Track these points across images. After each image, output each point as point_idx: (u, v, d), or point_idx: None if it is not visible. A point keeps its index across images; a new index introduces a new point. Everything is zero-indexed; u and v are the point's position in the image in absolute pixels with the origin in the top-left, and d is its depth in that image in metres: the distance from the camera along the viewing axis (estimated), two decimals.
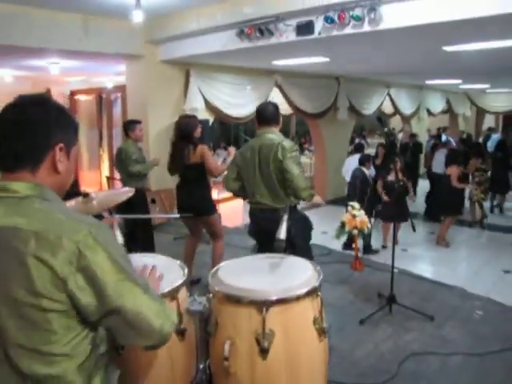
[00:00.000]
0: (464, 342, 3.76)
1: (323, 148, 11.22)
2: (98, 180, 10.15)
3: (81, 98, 10.56)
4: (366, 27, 4.72)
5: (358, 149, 9.08)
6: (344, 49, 6.29)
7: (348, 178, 8.28)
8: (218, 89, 8.15)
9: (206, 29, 6.12)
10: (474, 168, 8.04)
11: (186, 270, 2.15)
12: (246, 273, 2.14)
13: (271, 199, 3.48)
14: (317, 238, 6.43)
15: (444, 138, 14.17)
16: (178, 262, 2.27)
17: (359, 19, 4.66)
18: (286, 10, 5.15)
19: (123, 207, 5.45)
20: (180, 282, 2.00)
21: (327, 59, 7.23)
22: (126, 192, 2.64)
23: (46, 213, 1.20)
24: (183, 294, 2.05)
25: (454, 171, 7.25)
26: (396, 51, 6.63)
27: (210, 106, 8.05)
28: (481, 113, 17.80)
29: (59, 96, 10.59)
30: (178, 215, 3.83)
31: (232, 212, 9.00)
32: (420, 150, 12.52)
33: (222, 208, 8.64)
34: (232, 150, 4.71)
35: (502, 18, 4.04)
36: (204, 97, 7.90)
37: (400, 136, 15.08)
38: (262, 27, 5.53)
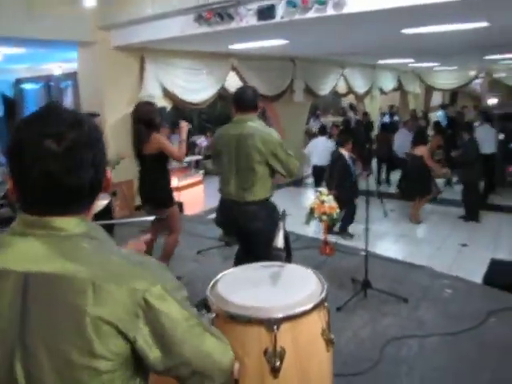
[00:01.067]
0: (438, 323, 3.85)
1: (281, 130, 11.14)
2: None
3: (27, 86, 10.00)
4: (330, 11, 4.65)
5: (323, 131, 9.20)
6: (305, 32, 6.20)
7: (314, 160, 8.35)
8: (174, 74, 7.91)
9: (162, 13, 5.87)
10: (436, 146, 8.25)
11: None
12: (247, 287, 2.03)
13: (245, 192, 3.36)
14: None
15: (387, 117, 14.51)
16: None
17: (323, 3, 4.58)
18: None
19: None
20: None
21: (286, 42, 7.13)
22: (101, 201, 2.48)
23: (101, 256, 1.01)
24: None
25: (425, 151, 7.44)
26: (356, 34, 6.62)
27: (166, 93, 7.82)
28: (429, 90, 18.23)
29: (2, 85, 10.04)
30: (152, 217, 3.66)
31: (194, 198, 8.85)
32: (371, 128, 12.82)
33: (183, 195, 8.52)
34: (183, 124, 4.47)
35: (455, 4, 4.17)
36: (160, 83, 7.66)
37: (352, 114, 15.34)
38: (221, 11, 5.36)
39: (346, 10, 4.56)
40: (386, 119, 14.19)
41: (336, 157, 7.08)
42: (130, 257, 1.06)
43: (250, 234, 3.50)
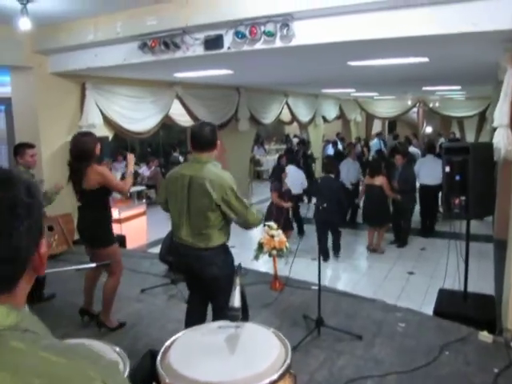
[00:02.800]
0: (393, 360, 3.76)
1: (225, 158, 11.05)
2: None
3: None
4: (278, 43, 4.61)
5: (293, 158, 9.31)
6: (250, 62, 6.17)
7: (296, 190, 8.24)
8: (116, 103, 7.63)
9: (105, 40, 5.64)
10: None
11: (128, 362, 1.76)
12: (202, 356, 1.81)
13: (198, 238, 3.18)
14: None
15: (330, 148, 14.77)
16: (117, 348, 1.88)
17: (271, 35, 4.54)
18: (194, 24, 4.89)
19: None
20: None
21: (231, 72, 7.07)
22: None
23: (38, 359, 0.77)
24: None
25: (384, 181, 7.56)
26: (304, 66, 6.67)
27: (108, 122, 7.52)
28: (370, 118, 18.83)
29: None
30: (94, 264, 3.38)
31: (136, 231, 8.49)
32: (312, 158, 13.04)
33: (125, 228, 8.15)
34: (130, 156, 4.36)
35: (395, 41, 4.27)
36: (102, 111, 7.35)
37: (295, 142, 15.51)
38: (167, 40, 5.20)
39: (294, 43, 4.54)
40: (329, 150, 14.28)
41: (334, 185, 7.56)
42: (74, 349, 0.85)
43: (205, 280, 3.31)
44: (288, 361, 1.72)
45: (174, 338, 1.97)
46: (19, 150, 4.84)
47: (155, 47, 5.29)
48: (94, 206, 4.11)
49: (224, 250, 3.27)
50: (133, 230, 8.33)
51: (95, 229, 4.13)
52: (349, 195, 8.92)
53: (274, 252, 5.02)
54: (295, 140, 16.16)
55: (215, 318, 3.33)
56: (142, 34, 5.30)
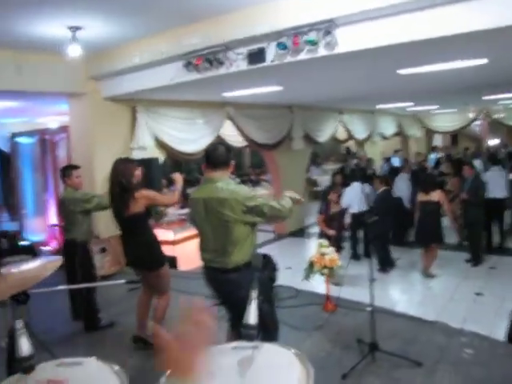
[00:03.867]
0: None
1: (279, 179, 10.85)
2: (44, 227, 9.34)
3: (22, 140, 9.77)
4: (322, 51, 4.37)
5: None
6: (298, 76, 5.95)
7: (354, 210, 7.74)
8: (166, 124, 7.64)
9: (151, 62, 5.64)
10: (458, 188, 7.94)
11: (126, 381, 1.57)
12: (208, 382, 1.55)
13: (222, 258, 3.03)
14: (281, 275, 5.98)
15: (396, 160, 14.16)
16: (116, 367, 1.68)
17: (314, 43, 4.31)
18: (235, 38, 4.76)
19: (66, 263, 4.90)
20: None
21: (280, 88, 6.89)
22: (52, 265, 2.07)
23: None
24: None
25: (442, 196, 7.01)
26: (351, 77, 6.37)
27: (159, 143, 7.53)
28: (430, 133, 18.03)
29: None
30: (123, 281, 3.26)
31: (189, 253, 8.37)
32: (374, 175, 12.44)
33: (178, 249, 8.06)
34: (177, 176, 4.28)
35: (453, 39, 3.84)
36: (153, 134, 7.38)
37: (354, 161, 15.01)
38: (210, 57, 5.10)
39: (337, 50, 4.28)
40: (396, 162, 13.64)
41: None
42: None
43: (235, 302, 3.11)
44: None
45: None
46: (67, 171, 4.87)
47: (199, 65, 5.21)
48: (138, 231, 4.04)
49: (249, 270, 3.06)
50: (186, 251, 8.22)
51: (142, 253, 4.05)
52: (405, 212, 8.42)
53: (326, 271, 4.70)
54: (354, 161, 15.64)
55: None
56: (186, 53, 5.23)
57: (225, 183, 3.01)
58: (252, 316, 1.85)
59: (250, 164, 17.77)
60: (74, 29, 4.97)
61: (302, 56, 4.51)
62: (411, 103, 11.58)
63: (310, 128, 11.07)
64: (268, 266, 5.47)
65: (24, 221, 9.67)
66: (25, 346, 1.61)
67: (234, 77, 5.40)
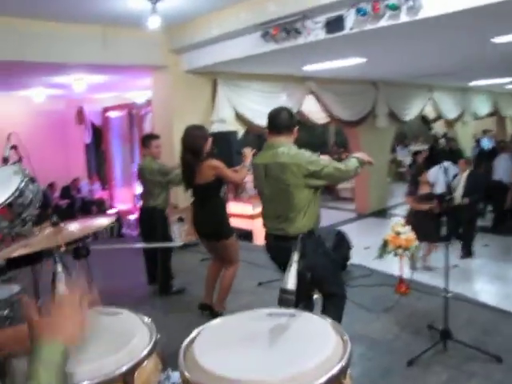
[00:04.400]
0: None
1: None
2: (131, 197, 9.77)
3: (112, 114, 10.22)
4: (404, 17, 4.04)
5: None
6: (380, 47, 5.59)
7: (440, 189, 7.24)
8: (247, 98, 7.57)
9: (229, 33, 5.56)
10: None
11: (156, 335, 1.50)
12: (234, 347, 1.44)
13: (284, 224, 2.90)
14: (358, 255, 5.73)
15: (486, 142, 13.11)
16: (148, 320, 1.62)
17: (395, 8, 3.98)
18: (313, 6, 4.52)
19: (144, 228, 5.04)
20: (143, 353, 1.38)
21: (364, 60, 6.53)
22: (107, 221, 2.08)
23: None
24: (150, 366, 1.42)
25: None
26: (438, 46, 5.85)
27: (239, 117, 7.49)
28: None
29: (91, 113, 10.36)
30: (181, 243, 3.26)
31: None
32: (460, 155, 11.59)
33: (256, 224, 8.04)
34: (247, 151, 4.06)
35: None
36: (233, 107, 7.35)
37: (442, 141, 14.09)
38: (287, 26, 4.92)
39: (422, 15, 3.92)
40: (486, 144, 12.69)
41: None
42: None
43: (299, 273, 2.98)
44: (343, 362, 1.28)
45: (212, 323, 1.65)
46: (145, 141, 4.94)
47: (277, 34, 5.05)
48: (207, 201, 4.00)
49: (312, 238, 2.91)
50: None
51: (209, 223, 4.02)
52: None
53: (400, 251, 4.41)
54: (442, 141, 14.72)
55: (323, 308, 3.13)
56: (264, 22, 5.09)
57: (286, 148, 2.86)
58: (291, 280, 1.71)
59: (334, 143, 17.33)
60: (154, 0, 5.00)
61: (383, 23, 4.20)
62: (510, 79, 10.56)
63: (396, 105, 10.49)
64: (341, 243, 5.29)
65: (113, 190, 10.18)
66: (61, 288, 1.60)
67: (313, 47, 5.19)
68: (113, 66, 6.32)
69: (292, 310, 1.67)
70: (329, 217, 9.33)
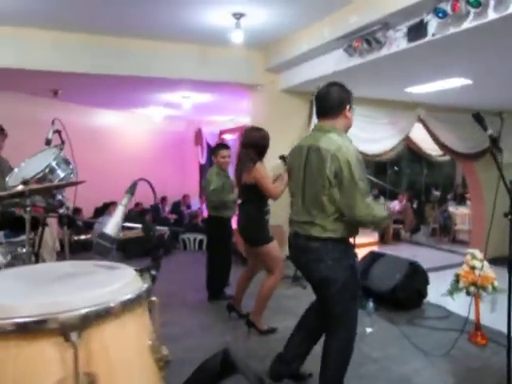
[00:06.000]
0: None
1: (481, 196, 9.14)
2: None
3: (227, 137, 10.50)
4: (492, 14, 3.38)
5: None
6: (479, 61, 4.84)
7: None
8: None
9: (316, 48, 5.29)
10: None
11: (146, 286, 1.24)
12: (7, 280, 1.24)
13: (309, 225, 2.40)
14: (438, 293, 4.89)
15: None
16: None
17: (479, 4, 3.35)
18: (392, 11, 4.04)
19: (209, 236, 4.94)
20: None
21: (469, 82, 5.74)
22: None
23: None
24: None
25: None
26: None
27: None
28: None
29: (207, 135, 10.75)
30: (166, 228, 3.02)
31: None
32: None
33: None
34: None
35: None
36: None
37: None
38: (368, 37, 4.51)
39: None
40: None
41: None
42: None
43: (312, 280, 2.54)
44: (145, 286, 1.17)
45: None
46: (215, 149, 4.85)
47: (359, 46, 4.67)
48: (250, 203, 3.76)
49: (340, 246, 2.37)
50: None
51: (247, 226, 3.76)
52: None
53: (473, 289, 3.60)
54: None
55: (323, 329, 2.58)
56: (346, 34, 4.73)
57: (338, 135, 2.37)
58: (111, 225, 1.33)
59: (460, 184, 15.75)
60: (238, 15, 4.96)
61: (467, 24, 3.58)
62: None
63: None
64: (415, 276, 4.53)
65: None
66: None
67: (398, 60, 4.69)
68: (211, 82, 6.43)
69: (112, 263, 1.33)
70: (442, 259, 8.37)
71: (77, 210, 7.97)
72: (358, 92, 6.79)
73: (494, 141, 2.47)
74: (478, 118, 2.47)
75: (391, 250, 8.23)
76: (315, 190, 2.36)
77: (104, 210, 8.29)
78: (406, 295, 4.35)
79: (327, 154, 2.27)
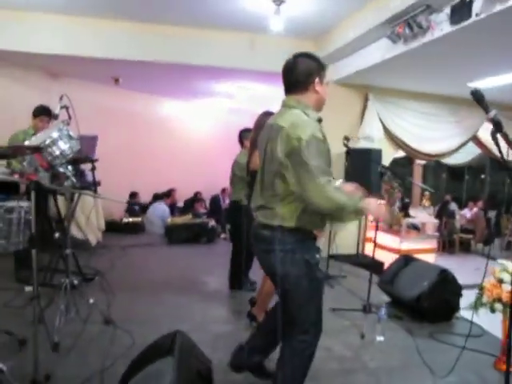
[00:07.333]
0: None
1: None
2: None
3: None
4: None
5: None
6: None
7: None
8: (402, 118, 6.58)
9: (362, 36, 4.90)
10: None
11: None
12: None
13: (263, 212, 2.11)
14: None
15: None
16: None
17: None
18: None
19: (229, 222, 4.79)
20: None
21: None
22: None
23: None
24: None
25: None
26: None
27: (391, 136, 6.56)
28: None
29: None
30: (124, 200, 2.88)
31: None
32: None
33: (390, 257, 6.95)
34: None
35: None
36: (384, 125, 6.48)
37: None
38: (410, 21, 4.06)
39: None
40: None
41: None
42: None
43: (266, 272, 2.27)
44: None
45: None
46: (243, 134, 4.65)
47: (402, 32, 4.23)
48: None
49: (295, 237, 2.02)
50: None
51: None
52: None
53: (498, 306, 3.06)
54: None
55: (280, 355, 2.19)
56: (389, 19, 4.30)
57: (301, 112, 2.02)
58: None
59: None
60: (278, 2, 4.73)
61: None
62: None
63: None
64: (444, 285, 4.00)
65: None
66: None
67: (443, 46, 4.19)
68: (261, 72, 6.26)
69: None
70: None
71: (133, 194, 8.21)
72: (415, 87, 6.33)
73: (498, 124, 2.00)
74: (477, 96, 2.01)
75: (453, 260, 7.54)
76: (270, 172, 2.06)
77: (161, 197, 8.44)
78: (431, 305, 3.84)
79: (282, 131, 1.97)
